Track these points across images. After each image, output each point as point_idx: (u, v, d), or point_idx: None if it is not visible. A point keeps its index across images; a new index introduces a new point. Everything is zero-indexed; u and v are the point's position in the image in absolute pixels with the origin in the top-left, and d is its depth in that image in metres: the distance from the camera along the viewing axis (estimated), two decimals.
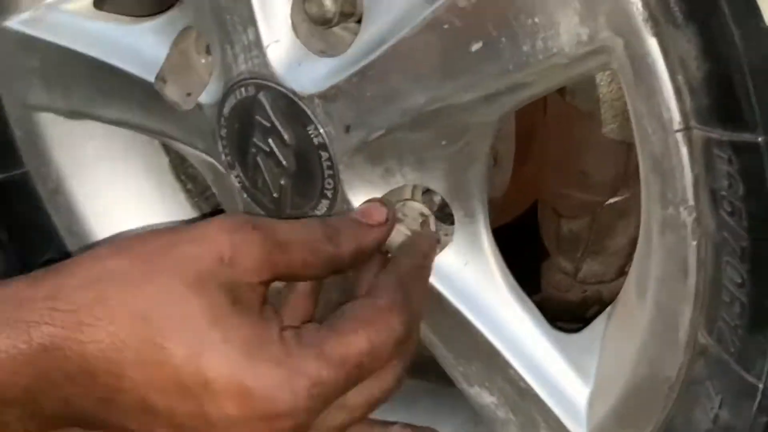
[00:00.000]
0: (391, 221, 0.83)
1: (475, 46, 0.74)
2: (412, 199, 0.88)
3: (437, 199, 0.88)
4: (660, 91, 0.65)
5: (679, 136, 0.66)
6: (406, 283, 0.79)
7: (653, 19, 0.64)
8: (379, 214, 0.83)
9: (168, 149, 1.18)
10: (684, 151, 0.66)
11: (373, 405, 0.76)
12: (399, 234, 0.88)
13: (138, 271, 0.70)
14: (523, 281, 0.91)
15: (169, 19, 0.97)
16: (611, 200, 0.89)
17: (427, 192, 0.88)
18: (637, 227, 0.79)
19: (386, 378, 0.75)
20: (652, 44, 0.65)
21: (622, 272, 0.93)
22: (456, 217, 0.87)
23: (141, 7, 1.11)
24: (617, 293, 0.87)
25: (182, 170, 1.18)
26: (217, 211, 1.19)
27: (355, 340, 0.72)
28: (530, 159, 0.92)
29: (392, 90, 0.81)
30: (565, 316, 0.99)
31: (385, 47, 0.80)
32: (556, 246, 0.94)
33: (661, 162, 0.68)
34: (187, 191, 1.18)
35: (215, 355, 0.68)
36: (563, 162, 0.90)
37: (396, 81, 0.80)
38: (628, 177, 0.87)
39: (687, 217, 0.68)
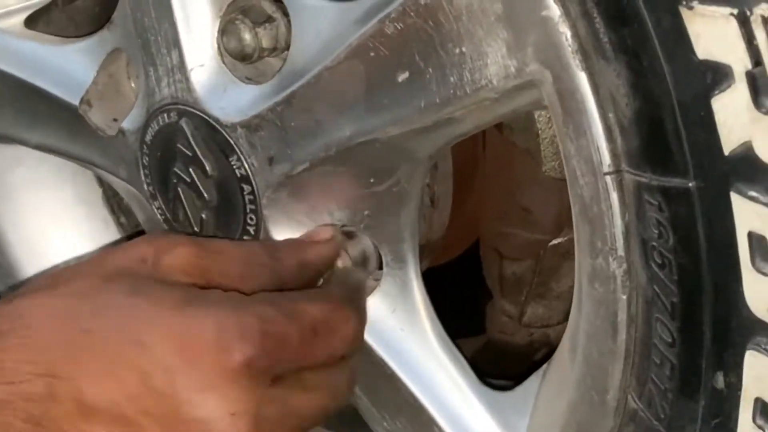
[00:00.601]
0: (336, 238, 0.79)
1: (402, 77, 0.69)
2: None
3: (364, 242, 0.82)
4: (589, 130, 0.60)
5: (609, 179, 0.60)
6: (353, 295, 0.75)
7: (583, 52, 0.59)
8: (324, 232, 0.79)
9: (101, 180, 1.12)
10: (614, 196, 0.61)
11: (328, 398, 0.70)
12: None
13: (51, 279, 0.68)
14: (466, 322, 0.86)
15: (98, 40, 0.91)
16: (555, 241, 0.84)
17: (352, 233, 0.83)
18: None
19: (340, 376, 0.71)
20: (582, 79, 0.59)
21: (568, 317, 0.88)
22: (384, 261, 0.81)
23: (74, 27, 1.07)
24: None
25: (116, 202, 1.12)
26: None
27: (309, 305, 0.69)
28: (470, 197, 0.87)
29: (316, 121, 0.75)
30: (511, 359, 0.93)
31: (309, 75, 0.75)
32: (499, 288, 0.88)
33: (590, 207, 0.62)
34: (120, 224, 1.13)
35: (143, 320, 0.64)
36: (504, 199, 0.85)
37: (320, 112, 0.75)
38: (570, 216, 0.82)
39: (617, 269, 0.63)
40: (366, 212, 0.80)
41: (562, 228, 0.83)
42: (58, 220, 1.11)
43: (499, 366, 0.91)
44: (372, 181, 0.77)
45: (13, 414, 0.62)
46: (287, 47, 0.79)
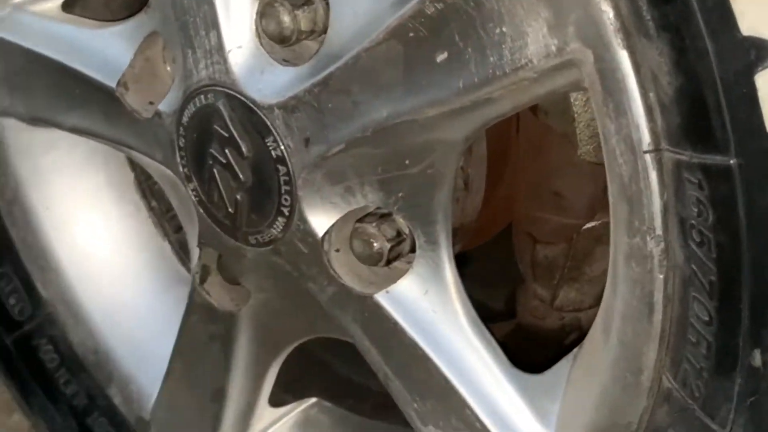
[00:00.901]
0: None
1: (441, 57, 0.70)
2: (370, 221, 0.83)
3: (398, 222, 0.83)
4: (630, 109, 0.61)
5: (648, 158, 0.61)
6: None
7: (625, 30, 0.59)
8: None
9: (133, 164, 1.13)
10: (653, 175, 0.61)
11: None
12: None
13: None
14: (496, 305, 0.86)
15: (136, 24, 0.92)
16: (588, 225, 0.84)
17: (387, 215, 0.83)
18: None
19: None
20: (623, 57, 0.60)
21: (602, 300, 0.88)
22: (417, 244, 0.82)
23: (111, 11, 1.08)
24: None
25: (147, 187, 1.13)
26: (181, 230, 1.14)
27: None
28: (503, 180, 0.87)
29: (353, 102, 0.76)
30: (542, 343, 0.93)
31: (346, 56, 0.75)
32: (531, 272, 0.88)
33: (629, 186, 0.63)
34: (151, 209, 1.14)
35: None
36: (537, 183, 0.85)
37: (357, 93, 0.76)
38: (605, 200, 0.82)
39: (654, 248, 0.63)
40: (400, 194, 0.80)
41: (596, 212, 0.83)
42: (89, 204, 1.12)
43: (530, 349, 0.91)
44: (407, 162, 0.78)
45: None
46: (325, 30, 0.80)
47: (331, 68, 0.76)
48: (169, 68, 0.92)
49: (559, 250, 0.85)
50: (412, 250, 0.83)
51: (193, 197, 0.91)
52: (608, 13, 0.60)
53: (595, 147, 0.79)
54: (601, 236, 0.83)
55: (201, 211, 0.91)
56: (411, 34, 0.71)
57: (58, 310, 1.13)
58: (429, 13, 0.69)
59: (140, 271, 1.13)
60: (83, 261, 1.11)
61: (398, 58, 0.72)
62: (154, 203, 1.14)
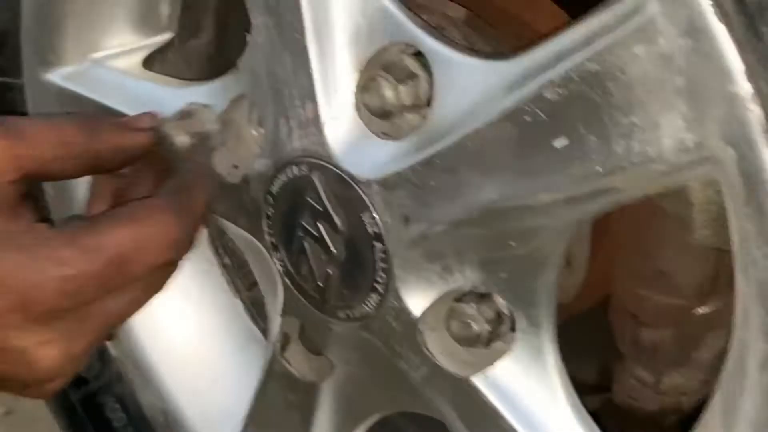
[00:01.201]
0: (156, 130, 0.78)
1: (560, 143, 0.67)
2: (468, 302, 0.80)
3: (498, 303, 0.80)
4: None
5: None
6: (186, 187, 0.75)
7: None
8: (142, 121, 0.78)
9: (206, 221, 1.11)
10: None
11: (140, 300, 0.72)
12: None
13: None
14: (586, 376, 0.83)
15: (221, 85, 0.90)
16: (701, 310, 0.80)
17: (486, 295, 0.80)
18: (728, 339, 0.70)
19: (154, 281, 0.72)
20: None
21: (708, 384, 0.84)
22: (518, 326, 0.78)
23: (190, 66, 1.05)
24: (700, 404, 0.78)
25: (220, 243, 1.11)
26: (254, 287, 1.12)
27: (115, 232, 0.68)
28: (600, 252, 0.84)
29: (460, 183, 0.73)
30: (638, 422, 0.90)
31: (455, 136, 0.72)
32: (633, 354, 0.85)
33: None
34: (224, 266, 1.11)
35: None
36: (641, 260, 0.82)
37: (465, 173, 0.73)
38: (719, 286, 0.79)
39: None
40: (502, 275, 0.77)
41: (707, 297, 0.80)
42: None
43: (624, 427, 0.88)
44: (512, 244, 0.75)
45: None
46: (427, 103, 0.77)
47: (437, 147, 0.73)
48: (255, 133, 0.90)
49: (667, 333, 0.82)
50: (512, 330, 0.80)
51: (278, 267, 0.88)
52: (755, 111, 0.57)
53: (714, 232, 0.75)
54: (714, 322, 0.80)
55: (286, 281, 0.88)
56: (528, 118, 0.68)
57: (126, 369, 1.10)
58: (550, 97, 0.66)
59: (212, 330, 1.10)
60: (154, 319, 1.09)
61: (512, 141, 0.69)
62: (227, 260, 1.11)
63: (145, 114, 0.79)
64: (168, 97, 0.94)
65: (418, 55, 0.77)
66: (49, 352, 0.68)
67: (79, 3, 0.97)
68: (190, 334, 1.10)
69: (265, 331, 1.12)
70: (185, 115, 0.83)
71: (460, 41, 0.78)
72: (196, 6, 1.01)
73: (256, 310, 1.12)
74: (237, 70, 0.89)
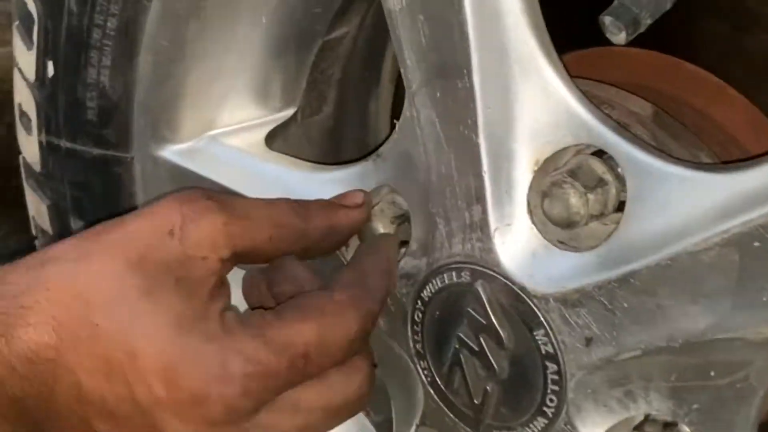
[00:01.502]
0: (367, 205, 0.77)
1: None
2: (649, 431, 0.72)
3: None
4: None
5: None
6: (367, 280, 0.72)
7: None
8: (356, 197, 0.77)
9: None
10: None
11: (334, 410, 0.69)
12: None
13: (81, 251, 0.65)
14: None
15: (360, 172, 0.82)
16: None
17: (671, 425, 0.72)
18: None
19: (346, 381, 0.69)
20: None
21: None
22: None
23: (307, 142, 0.98)
24: None
25: None
26: None
27: (301, 328, 0.66)
28: None
29: (661, 308, 0.65)
30: None
31: (658, 255, 0.64)
32: None
33: None
34: None
35: (143, 330, 0.63)
36: None
37: (669, 298, 0.64)
38: None
39: None
40: (695, 406, 0.69)
41: None
42: None
43: None
44: (712, 374, 0.67)
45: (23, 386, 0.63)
46: (612, 211, 0.70)
47: (634, 265, 0.65)
48: (393, 225, 0.82)
49: None
50: None
51: (423, 376, 0.80)
52: None
53: None
54: None
55: (431, 392, 0.80)
56: (756, 244, 0.59)
57: None
58: None
59: None
60: None
61: (732, 268, 0.61)
62: None
63: (355, 191, 0.77)
64: (299, 181, 0.87)
65: (602, 157, 0.70)
66: None
67: (199, 76, 0.89)
68: None
69: (378, 425, 1.04)
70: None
71: (649, 142, 0.70)
72: (322, 78, 0.93)
73: (371, 404, 1.04)
74: (378, 157, 0.81)
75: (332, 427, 0.71)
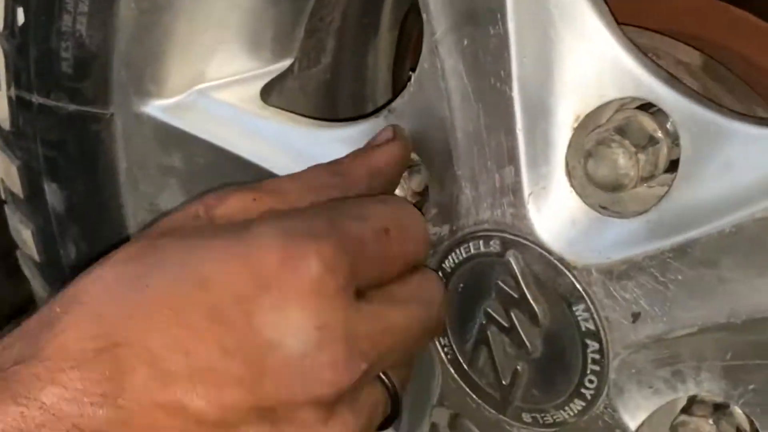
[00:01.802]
0: (400, 137, 0.70)
1: None
2: (701, 414, 0.66)
3: (737, 417, 0.65)
4: None
5: None
6: None
7: None
8: (385, 134, 0.70)
9: None
10: None
11: (425, 308, 0.64)
12: None
13: (115, 252, 0.60)
14: None
15: (370, 130, 0.73)
16: None
17: (722, 406, 0.66)
18: None
19: (428, 283, 0.65)
20: None
21: None
22: None
23: (303, 96, 0.90)
24: None
25: None
26: None
27: (377, 205, 0.64)
28: None
29: (723, 280, 0.58)
30: None
31: (721, 222, 0.57)
32: None
33: None
34: None
35: (201, 254, 0.58)
36: None
37: (732, 270, 0.58)
38: None
39: None
40: (751, 386, 0.62)
41: None
42: None
43: None
44: None
45: (88, 401, 0.54)
46: (662, 173, 0.63)
47: (693, 233, 0.58)
48: (413, 187, 0.74)
49: None
50: None
51: (441, 353, 0.73)
52: None
53: None
54: None
55: (450, 371, 0.73)
56: None
57: None
58: None
59: None
60: None
61: None
62: None
63: (384, 129, 0.70)
64: (301, 140, 0.79)
65: (652, 112, 0.62)
66: None
67: (187, 23, 0.80)
68: None
69: None
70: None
71: (701, 94, 0.63)
72: (321, 26, 0.85)
73: None
74: (391, 113, 0.73)
75: (426, 340, 0.67)
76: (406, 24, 0.95)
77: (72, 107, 0.86)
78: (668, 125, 0.61)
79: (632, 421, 0.66)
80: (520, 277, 0.66)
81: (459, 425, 0.79)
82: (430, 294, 0.65)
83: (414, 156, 0.72)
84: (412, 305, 0.63)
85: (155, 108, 0.84)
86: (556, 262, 0.64)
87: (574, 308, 0.64)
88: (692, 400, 0.66)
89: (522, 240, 0.65)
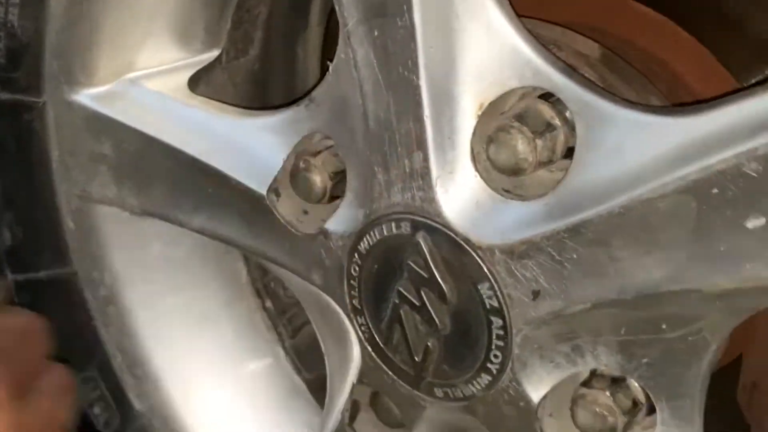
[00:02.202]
0: None
1: (754, 223, 0.56)
2: (599, 387, 0.69)
3: (633, 390, 0.69)
4: None
5: None
6: None
7: None
8: None
9: (247, 259, 0.98)
10: None
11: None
12: None
13: None
14: None
15: (291, 118, 0.77)
16: None
17: (619, 380, 0.69)
18: None
19: None
20: None
21: None
22: (659, 417, 0.67)
23: (232, 87, 0.92)
24: None
25: (262, 285, 0.98)
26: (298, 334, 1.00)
27: None
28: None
29: (613, 258, 0.62)
30: None
31: (610, 203, 0.61)
32: None
33: None
34: (265, 310, 0.98)
35: None
36: None
37: (619, 248, 0.61)
38: None
39: None
40: (645, 360, 0.66)
41: None
42: (193, 302, 0.97)
43: None
44: (663, 327, 0.64)
45: None
46: (560, 158, 0.66)
47: (585, 214, 0.62)
48: (329, 172, 0.77)
49: None
50: (648, 416, 0.70)
51: (359, 332, 0.76)
52: None
53: None
54: None
55: (368, 349, 0.76)
56: (715, 191, 0.56)
57: (153, 425, 0.97)
58: (749, 171, 0.55)
59: (250, 383, 0.98)
60: (186, 371, 0.96)
61: (688, 216, 0.58)
62: (268, 303, 0.98)
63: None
64: (225, 128, 0.81)
65: (551, 101, 0.66)
66: None
67: (116, 14, 0.83)
68: (226, 388, 0.97)
69: (310, 383, 1.00)
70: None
71: (599, 84, 0.66)
72: (248, 18, 0.88)
73: (300, 360, 1.00)
74: (311, 102, 0.76)
75: None
76: (334, 16, 0.98)
77: (4, 96, 0.88)
78: (567, 114, 0.65)
79: (535, 393, 0.69)
80: (429, 258, 0.69)
81: (379, 403, 0.82)
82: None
83: (331, 142, 0.75)
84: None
85: (86, 97, 0.86)
86: (462, 242, 0.67)
87: (479, 287, 0.67)
88: (593, 374, 0.70)
89: (430, 222, 0.68)
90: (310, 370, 0.98)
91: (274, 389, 0.99)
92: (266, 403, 0.98)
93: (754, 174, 0.55)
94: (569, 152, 0.66)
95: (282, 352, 1.00)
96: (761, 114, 0.55)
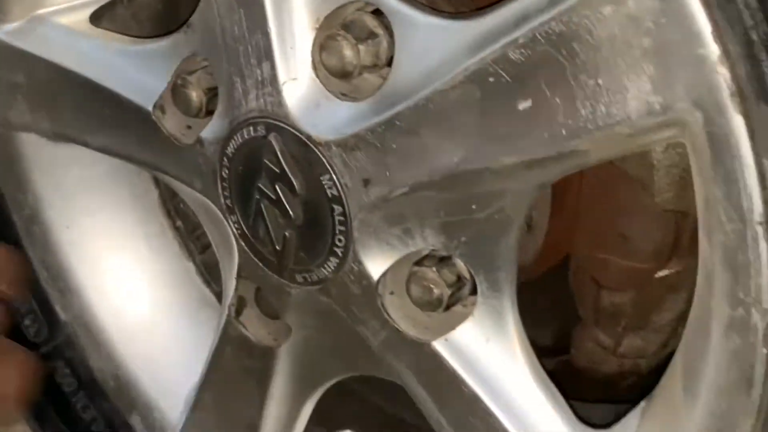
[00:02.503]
0: None
1: (523, 105, 0.66)
2: (428, 265, 0.79)
3: (458, 267, 0.79)
4: (742, 177, 0.57)
5: (760, 229, 0.57)
6: None
7: (741, 95, 0.56)
8: None
9: (158, 182, 1.09)
10: (764, 246, 0.58)
11: None
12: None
13: None
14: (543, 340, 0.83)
15: (173, 43, 0.87)
16: (661, 273, 0.80)
17: (446, 258, 0.79)
18: (688, 302, 0.71)
19: None
20: (738, 122, 0.56)
21: (666, 346, 0.84)
22: (479, 290, 0.78)
23: (136, 24, 1.02)
24: (658, 366, 0.78)
25: (172, 206, 1.08)
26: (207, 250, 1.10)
27: None
28: (561, 213, 0.83)
29: (422, 145, 0.72)
30: (596, 384, 0.90)
31: (416, 97, 0.71)
32: (593, 317, 0.85)
33: (735, 256, 0.59)
34: (176, 229, 1.09)
35: None
36: (602, 224, 0.81)
37: (426, 135, 0.71)
38: (680, 249, 0.78)
39: (759, 321, 0.59)
40: (463, 238, 0.76)
41: (667, 260, 0.80)
42: (112, 224, 1.07)
43: (582, 389, 0.88)
44: (473, 207, 0.74)
45: None
46: (387, 64, 0.76)
47: (398, 108, 0.72)
48: (208, 93, 0.87)
49: (627, 297, 0.81)
50: (472, 293, 0.80)
51: (234, 230, 0.86)
52: (724, 75, 0.56)
53: (675, 195, 0.75)
54: (674, 285, 0.79)
55: (242, 244, 0.86)
56: (491, 79, 0.66)
57: (77, 333, 1.08)
58: (514, 58, 0.64)
59: (164, 294, 1.08)
60: (105, 283, 1.06)
61: (474, 103, 0.68)
62: (179, 223, 1.09)
63: None
64: (116, 55, 0.92)
65: (378, 14, 0.76)
66: None
67: None
68: (141, 300, 1.08)
69: (219, 295, 1.10)
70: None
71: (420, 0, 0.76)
72: None
73: (209, 274, 1.10)
74: (189, 28, 0.86)
75: None
76: None
77: None
78: (388, 24, 0.75)
79: (376, 273, 0.79)
80: (280, 155, 0.79)
81: (262, 297, 0.92)
82: None
83: (207, 62, 0.85)
84: None
85: (1, 32, 0.97)
86: (305, 140, 0.77)
87: (321, 178, 0.77)
88: (427, 255, 0.80)
89: (280, 123, 0.78)
90: (219, 282, 1.08)
91: (186, 300, 1.10)
92: (178, 313, 1.09)
93: (517, 62, 0.64)
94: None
95: (193, 267, 1.10)
96: (522, 10, 0.64)
